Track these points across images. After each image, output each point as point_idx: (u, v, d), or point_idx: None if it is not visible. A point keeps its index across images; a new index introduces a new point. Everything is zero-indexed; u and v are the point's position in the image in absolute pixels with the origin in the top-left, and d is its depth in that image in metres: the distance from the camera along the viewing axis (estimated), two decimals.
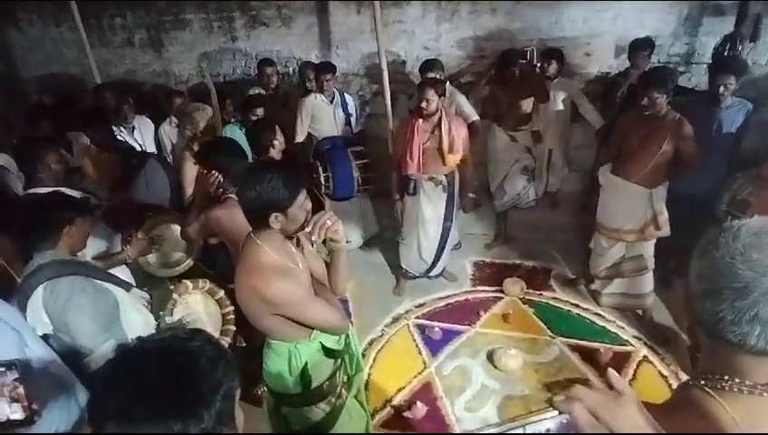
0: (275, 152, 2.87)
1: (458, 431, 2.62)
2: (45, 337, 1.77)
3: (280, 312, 1.61)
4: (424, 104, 3.11)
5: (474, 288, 3.77)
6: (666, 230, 3.01)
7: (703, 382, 0.75)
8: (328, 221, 1.55)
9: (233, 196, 2.28)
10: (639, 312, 3.32)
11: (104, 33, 4.84)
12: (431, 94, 3.10)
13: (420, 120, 3.19)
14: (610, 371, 0.59)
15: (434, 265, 3.65)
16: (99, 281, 1.87)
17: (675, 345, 3.06)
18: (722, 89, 2.90)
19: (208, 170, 2.29)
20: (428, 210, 3.43)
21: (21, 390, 1.41)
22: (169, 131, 3.96)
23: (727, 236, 0.72)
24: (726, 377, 0.73)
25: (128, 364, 0.73)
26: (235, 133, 3.70)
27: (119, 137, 3.71)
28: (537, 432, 0.41)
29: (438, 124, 3.18)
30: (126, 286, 2.02)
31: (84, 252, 2.09)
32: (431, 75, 3.49)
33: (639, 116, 2.88)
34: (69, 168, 2.75)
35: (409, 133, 3.22)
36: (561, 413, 0.42)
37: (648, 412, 0.44)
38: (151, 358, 0.73)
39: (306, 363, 1.74)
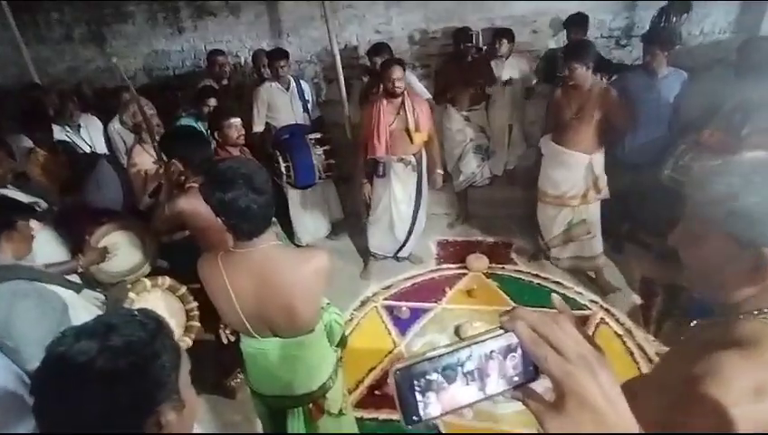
0: (236, 139, 2.82)
1: None
2: None
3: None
4: (398, 84, 3.09)
5: (439, 266, 3.86)
6: (605, 193, 3.20)
7: (763, 317, 0.80)
8: None
9: (195, 184, 2.26)
10: (592, 274, 3.49)
11: (40, 29, 4.60)
12: (399, 73, 3.09)
13: (385, 102, 3.19)
14: (554, 295, 0.63)
15: (405, 243, 3.70)
16: (44, 284, 1.77)
17: (625, 304, 3.25)
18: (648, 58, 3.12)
19: (169, 159, 2.33)
20: (399, 191, 3.48)
21: None
22: (120, 129, 3.82)
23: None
24: None
25: (64, 343, 0.77)
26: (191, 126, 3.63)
27: (64, 137, 3.56)
28: (482, 353, 0.47)
29: (402, 104, 3.19)
30: (75, 288, 1.92)
31: (34, 259, 1.99)
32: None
33: (569, 89, 3.04)
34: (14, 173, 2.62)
35: (375, 116, 3.20)
36: (506, 331, 0.49)
37: (584, 329, 0.49)
38: (88, 333, 0.76)
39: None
